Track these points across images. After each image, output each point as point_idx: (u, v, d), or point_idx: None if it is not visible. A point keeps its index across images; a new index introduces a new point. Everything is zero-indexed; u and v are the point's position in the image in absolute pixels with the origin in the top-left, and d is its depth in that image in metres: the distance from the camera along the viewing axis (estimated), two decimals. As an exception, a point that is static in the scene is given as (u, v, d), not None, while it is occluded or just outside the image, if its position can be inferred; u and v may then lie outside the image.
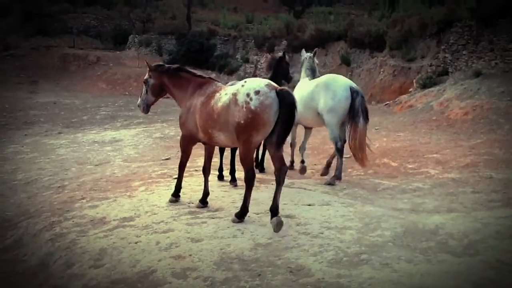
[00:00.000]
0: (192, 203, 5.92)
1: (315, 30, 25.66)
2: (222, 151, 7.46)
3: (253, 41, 29.19)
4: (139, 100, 6.35)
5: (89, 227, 5.29)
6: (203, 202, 5.80)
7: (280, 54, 8.40)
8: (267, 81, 5.10)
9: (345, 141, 7.41)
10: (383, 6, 26.72)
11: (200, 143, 5.89)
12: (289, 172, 8.08)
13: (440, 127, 12.12)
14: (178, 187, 6.07)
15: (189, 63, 26.24)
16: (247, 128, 4.86)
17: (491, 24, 15.96)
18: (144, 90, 6.25)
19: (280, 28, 28.30)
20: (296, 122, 6.99)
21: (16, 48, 29.98)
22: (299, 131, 8.34)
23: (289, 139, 7.88)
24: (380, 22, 23.25)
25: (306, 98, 7.38)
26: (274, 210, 4.89)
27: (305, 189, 6.82)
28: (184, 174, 6.20)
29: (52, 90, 24.55)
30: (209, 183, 5.98)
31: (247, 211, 5.15)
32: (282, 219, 4.83)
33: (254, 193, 5.24)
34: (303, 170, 8.14)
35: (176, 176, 6.22)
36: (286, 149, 8.79)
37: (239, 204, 5.26)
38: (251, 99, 4.82)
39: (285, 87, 5.12)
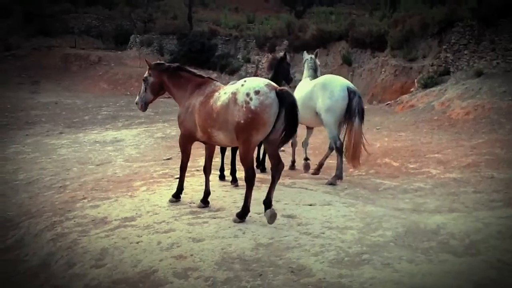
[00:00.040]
0: (194, 203, 5.92)
1: (317, 30, 25.68)
2: (223, 151, 7.46)
3: (254, 41, 29.20)
4: (137, 97, 6.36)
5: (91, 227, 5.30)
6: (205, 201, 5.80)
7: (281, 54, 8.43)
8: (266, 81, 5.12)
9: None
10: (384, 6, 26.72)
11: (202, 143, 5.90)
12: (290, 172, 8.17)
13: (441, 127, 12.11)
14: (180, 189, 6.07)
15: (190, 63, 26.26)
16: (246, 128, 4.87)
17: (492, 24, 15.96)
18: (143, 88, 6.25)
19: (282, 28, 28.31)
20: None
21: (17, 48, 30.02)
22: (300, 131, 8.33)
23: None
24: (382, 22, 23.26)
25: (304, 98, 7.42)
26: (267, 203, 5.02)
27: (306, 189, 6.81)
28: (186, 174, 6.20)
29: (54, 90, 24.58)
30: (210, 183, 5.98)
31: (248, 211, 5.15)
32: (280, 216, 4.85)
33: (255, 193, 5.24)
34: (306, 167, 8.22)
35: (178, 176, 6.23)
36: (287, 149, 8.88)
37: (240, 204, 5.26)
38: (251, 99, 4.83)
39: (285, 87, 5.15)
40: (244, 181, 5.16)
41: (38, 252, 5.02)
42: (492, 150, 8.93)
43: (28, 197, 7.27)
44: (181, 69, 6.05)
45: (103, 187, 7.21)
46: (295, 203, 5.87)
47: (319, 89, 7.32)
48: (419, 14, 19.74)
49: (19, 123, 15.41)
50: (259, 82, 5.00)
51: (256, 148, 7.73)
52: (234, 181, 7.01)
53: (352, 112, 7.04)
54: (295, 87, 8.25)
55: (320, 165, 7.87)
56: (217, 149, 6.72)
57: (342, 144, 7.33)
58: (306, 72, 8.24)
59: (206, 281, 3.77)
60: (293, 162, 8.51)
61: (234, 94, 5.00)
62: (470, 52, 16.49)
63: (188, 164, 6.17)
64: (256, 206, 5.31)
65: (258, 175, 5.74)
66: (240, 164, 5.30)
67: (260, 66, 27.15)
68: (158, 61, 6.60)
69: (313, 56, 8.34)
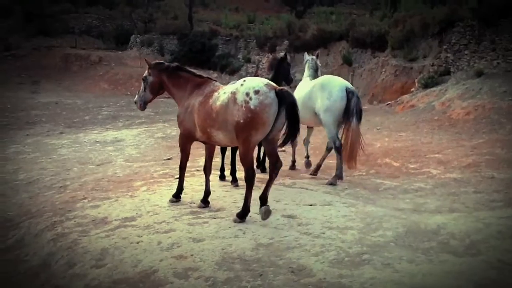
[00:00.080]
0: (194, 203, 5.92)
1: (317, 30, 25.68)
2: (223, 151, 7.46)
3: (254, 41, 29.21)
4: (136, 96, 6.37)
5: (91, 227, 5.30)
6: (205, 201, 5.81)
7: (282, 54, 8.45)
8: (266, 80, 5.14)
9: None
10: (385, 6, 26.71)
11: (202, 143, 5.90)
12: (290, 172, 8.17)
13: (442, 127, 12.11)
14: (180, 189, 6.08)
15: (191, 63, 26.28)
16: (246, 127, 4.88)
17: (493, 24, 15.96)
18: (142, 87, 6.26)
19: (282, 28, 28.31)
20: None
21: (17, 48, 30.06)
22: (300, 130, 8.33)
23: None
24: (382, 22, 23.25)
25: (304, 98, 7.45)
26: (263, 199, 5.09)
27: (306, 189, 6.81)
28: (186, 174, 6.20)
29: (54, 90, 24.60)
30: (210, 183, 5.99)
31: (249, 211, 5.15)
32: (281, 216, 4.84)
33: (255, 193, 5.24)
34: (307, 164, 8.29)
35: (178, 176, 6.23)
36: (288, 149, 8.88)
37: (241, 204, 5.26)
38: (250, 99, 4.84)
39: (284, 87, 5.17)
40: (244, 181, 5.17)
41: (38, 252, 5.02)
42: (492, 150, 8.92)
43: (28, 197, 7.27)
44: (181, 69, 6.07)
45: (103, 187, 7.21)
46: (295, 203, 5.87)
47: (318, 90, 7.36)
48: (419, 14, 19.73)
49: (19, 123, 15.41)
50: (259, 82, 5.02)
51: (256, 148, 7.74)
52: (234, 181, 7.01)
53: (350, 112, 7.08)
54: (295, 87, 8.27)
55: (318, 166, 7.89)
56: (217, 149, 6.72)
57: (341, 144, 7.35)
58: (306, 72, 8.30)
59: (207, 281, 3.77)
60: (294, 161, 8.52)
61: (233, 93, 5.01)
62: (471, 52, 16.49)
63: (188, 164, 6.18)
64: (256, 206, 5.30)
65: (258, 175, 5.74)
66: (240, 164, 5.31)
67: (261, 66, 27.16)
68: (157, 61, 6.62)
69: (314, 57, 8.39)
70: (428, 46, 18.81)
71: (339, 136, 7.39)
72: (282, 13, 38.00)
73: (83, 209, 6.01)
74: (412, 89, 17.21)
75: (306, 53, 8.83)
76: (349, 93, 7.12)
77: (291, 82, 8.13)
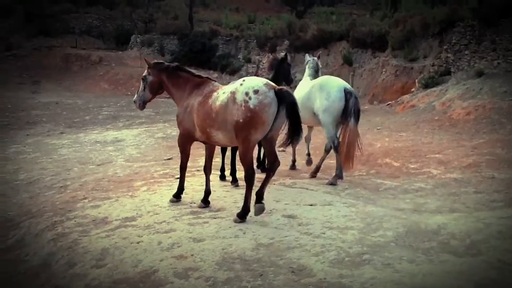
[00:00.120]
0: (194, 203, 5.92)
1: (317, 30, 25.68)
2: (224, 151, 7.46)
3: (255, 41, 29.22)
4: (135, 96, 6.37)
5: (91, 227, 5.30)
6: (205, 201, 5.81)
7: (282, 55, 8.47)
8: (265, 80, 5.16)
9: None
10: (385, 6, 26.72)
11: (202, 143, 5.91)
12: (291, 172, 8.17)
13: (442, 127, 12.10)
14: (180, 189, 6.08)
15: (191, 63, 26.30)
16: (245, 127, 4.90)
17: (493, 24, 15.95)
18: (141, 86, 6.26)
19: (282, 28, 28.31)
20: None
21: (18, 48, 30.09)
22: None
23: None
24: (382, 22, 23.25)
25: (303, 98, 7.48)
26: (259, 195, 5.13)
27: (307, 189, 6.81)
28: (186, 174, 6.20)
29: (54, 90, 24.61)
30: (210, 183, 5.99)
31: (249, 210, 5.16)
32: (281, 216, 4.84)
33: (255, 193, 5.25)
34: (309, 162, 8.35)
35: (178, 176, 6.23)
36: (288, 148, 8.87)
37: (241, 204, 5.26)
38: (250, 98, 4.86)
39: (284, 87, 5.18)
40: (244, 181, 5.17)
41: (38, 252, 5.02)
42: (493, 150, 8.92)
43: (28, 197, 7.27)
44: (180, 69, 6.07)
45: (103, 187, 7.22)
46: (295, 203, 5.87)
47: (316, 90, 7.41)
48: (420, 14, 19.73)
49: (19, 123, 15.42)
50: (258, 82, 5.03)
51: (256, 148, 7.74)
52: (234, 181, 7.01)
53: (348, 112, 7.11)
54: (295, 87, 8.29)
55: (318, 167, 7.90)
56: (218, 149, 6.72)
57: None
58: (307, 71, 8.35)
59: (207, 281, 3.77)
60: (294, 161, 8.53)
61: (233, 93, 5.02)
62: (471, 52, 16.49)
63: (189, 164, 6.19)
64: (257, 206, 5.31)
65: (258, 175, 5.74)
66: (240, 164, 5.31)
67: (261, 66, 27.16)
68: (157, 60, 6.62)
69: (315, 58, 8.43)
70: (429, 46, 18.81)
71: (338, 136, 7.42)
72: (282, 13, 38.02)
73: (83, 209, 6.01)
74: (412, 89, 17.20)
75: (307, 54, 8.89)
76: (347, 94, 7.17)
77: (292, 82, 8.15)
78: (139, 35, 33.10)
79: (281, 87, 5.14)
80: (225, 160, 7.48)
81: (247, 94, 4.89)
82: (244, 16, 36.47)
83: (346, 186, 7.16)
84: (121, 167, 8.93)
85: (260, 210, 5.09)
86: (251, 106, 4.84)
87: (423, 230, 4.78)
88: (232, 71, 27.97)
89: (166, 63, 6.26)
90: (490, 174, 7.50)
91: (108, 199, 6.41)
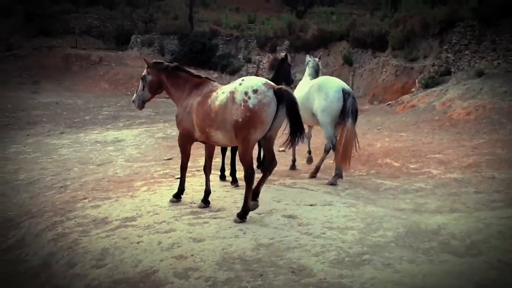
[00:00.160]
0: (194, 203, 5.92)
1: (317, 30, 25.67)
2: (224, 151, 7.46)
3: (255, 41, 29.20)
4: (134, 95, 6.36)
5: (91, 227, 5.30)
6: (205, 201, 5.81)
7: (282, 55, 8.49)
8: (264, 80, 5.18)
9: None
10: (385, 6, 26.71)
11: (202, 143, 5.91)
12: (291, 172, 8.17)
13: (442, 127, 12.10)
14: (181, 189, 6.08)
15: (191, 63, 26.30)
16: (245, 126, 4.91)
17: (493, 24, 15.94)
18: (141, 86, 6.25)
19: (282, 28, 28.30)
20: None
21: (18, 48, 30.07)
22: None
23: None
24: (383, 22, 23.25)
25: (302, 98, 7.51)
26: (254, 193, 5.21)
27: (307, 189, 6.81)
28: (186, 174, 6.20)
29: (55, 90, 24.60)
30: (210, 183, 5.99)
31: (249, 210, 5.16)
32: (281, 216, 4.83)
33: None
34: (309, 160, 8.43)
35: (178, 176, 6.23)
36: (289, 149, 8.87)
37: (241, 204, 5.26)
38: (249, 98, 4.87)
39: (283, 87, 5.20)
40: (244, 181, 5.17)
41: (39, 252, 5.02)
42: (493, 150, 8.92)
43: (29, 197, 7.27)
44: (179, 69, 6.08)
45: (104, 187, 7.22)
46: (295, 203, 5.87)
47: (315, 91, 7.47)
48: (420, 14, 19.73)
49: (20, 123, 15.41)
50: (257, 81, 5.05)
51: (256, 148, 7.74)
52: (234, 181, 7.02)
53: (346, 112, 7.15)
54: (295, 87, 8.31)
55: (317, 168, 7.91)
56: (218, 149, 6.72)
57: None
58: (307, 71, 8.43)
59: (207, 281, 3.77)
60: (294, 161, 8.52)
61: (232, 93, 5.03)
62: (471, 52, 16.48)
63: (189, 164, 6.18)
64: (257, 206, 5.31)
65: (258, 175, 5.72)
66: (240, 164, 5.32)
67: (261, 66, 27.15)
68: (156, 60, 6.62)
69: (316, 59, 8.48)
70: (429, 46, 18.81)
71: (336, 136, 7.46)
72: (282, 13, 37.98)
73: (83, 209, 6.01)
74: (412, 89, 17.20)
75: (308, 55, 8.93)
76: (345, 94, 7.22)
77: (292, 82, 8.18)
78: (139, 35, 33.08)
79: (280, 86, 5.15)
80: (225, 160, 7.48)
81: (246, 93, 4.90)
82: (244, 16, 36.45)
83: (346, 186, 7.16)
84: (121, 167, 8.93)
85: (253, 207, 5.19)
86: (251, 106, 4.84)
87: (423, 230, 4.78)
88: (232, 71, 27.96)
89: (166, 63, 6.26)
90: (490, 174, 7.50)
91: (108, 199, 6.41)
